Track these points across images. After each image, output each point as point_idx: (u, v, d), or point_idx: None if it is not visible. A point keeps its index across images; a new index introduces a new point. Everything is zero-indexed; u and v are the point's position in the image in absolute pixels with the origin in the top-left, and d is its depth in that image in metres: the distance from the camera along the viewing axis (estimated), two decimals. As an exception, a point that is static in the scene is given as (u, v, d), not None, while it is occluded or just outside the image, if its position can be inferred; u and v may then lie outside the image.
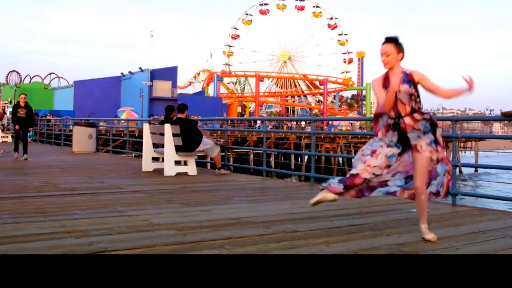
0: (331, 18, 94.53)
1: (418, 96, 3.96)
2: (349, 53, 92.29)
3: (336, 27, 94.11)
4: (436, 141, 4.00)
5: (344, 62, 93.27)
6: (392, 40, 3.97)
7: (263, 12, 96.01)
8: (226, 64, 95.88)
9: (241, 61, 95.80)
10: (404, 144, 4.00)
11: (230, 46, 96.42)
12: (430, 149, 3.95)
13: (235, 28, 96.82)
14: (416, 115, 3.92)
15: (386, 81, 3.98)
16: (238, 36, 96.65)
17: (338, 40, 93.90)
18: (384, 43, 3.98)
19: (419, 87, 3.99)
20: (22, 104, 12.71)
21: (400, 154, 4.02)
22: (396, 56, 3.94)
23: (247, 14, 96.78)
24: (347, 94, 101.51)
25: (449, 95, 4.01)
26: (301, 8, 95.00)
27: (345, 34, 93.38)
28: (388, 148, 3.97)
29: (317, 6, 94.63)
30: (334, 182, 3.94)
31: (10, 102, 51.11)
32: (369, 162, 3.90)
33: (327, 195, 3.94)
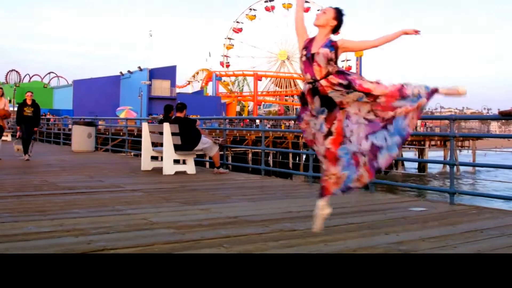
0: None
1: (336, 62, 3.84)
2: (347, 60, 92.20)
3: (338, 33, 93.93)
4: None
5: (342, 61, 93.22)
6: (336, 8, 3.97)
7: (268, 9, 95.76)
8: (225, 55, 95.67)
9: (239, 55, 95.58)
10: (332, 106, 3.83)
11: (230, 38, 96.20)
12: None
13: (237, 22, 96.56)
14: (332, 77, 3.79)
15: (310, 43, 3.90)
16: (240, 29, 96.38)
17: None
18: (329, 6, 3.99)
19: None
20: (29, 102, 12.07)
21: (328, 119, 3.85)
22: (329, 18, 3.90)
23: (251, 9, 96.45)
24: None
25: (380, 42, 3.95)
26: (307, 10, 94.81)
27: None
28: (315, 123, 3.88)
29: (307, 1, 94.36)
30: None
31: (10, 101, 51.01)
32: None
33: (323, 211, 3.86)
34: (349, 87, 3.76)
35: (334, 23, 3.92)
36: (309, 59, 3.85)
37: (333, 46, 3.82)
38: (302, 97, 3.97)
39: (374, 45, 3.98)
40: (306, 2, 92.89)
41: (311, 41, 3.92)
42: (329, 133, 3.85)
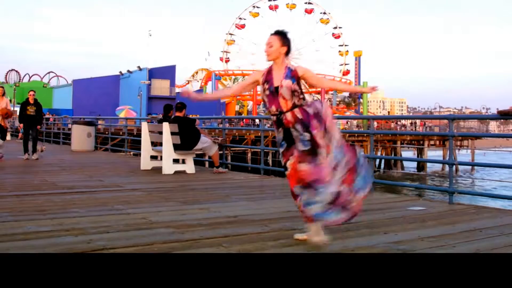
0: (336, 27, 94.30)
1: (302, 93, 3.87)
2: (346, 64, 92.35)
3: (339, 37, 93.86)
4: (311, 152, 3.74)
5: (341, 55, 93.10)
6: (278, 33, 3.94)
7: (271, 8, 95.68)
8: (225, 51, 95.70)
9: (239, 50, 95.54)
10: (290, 141, 3.85)
11: (232, 34, 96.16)
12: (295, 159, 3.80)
13: (240, 18, 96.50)
14: (297, 111, 3.81)
15: (269, 76, 3.91)
16: (243, 26, 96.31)
17: (339, 51, 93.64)
18: (271, 34, 3.96)
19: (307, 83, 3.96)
20: (31, 101, 12.05)
21: (285, 153, 3.87)
22: (279, 48, 3.90)
23: (254, 7, 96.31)
24: (344, 93, 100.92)
25: (336, 87, 4.08)
26: (310, 11, 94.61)
27: (345, 45, 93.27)
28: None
29: (324, 13, 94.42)
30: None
31: (10, 101, 50.94)
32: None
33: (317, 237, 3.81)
34: (307, 129, 3.76)
35: (285, 49, 3.92)
36: (272, 93, 3.86)
37: (294, 77, 3.85)
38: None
39: (330, 87, 4.04)
40: (309, 3, 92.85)
41: (269, 73, 3.92)
42: (285, 167, 3.88)
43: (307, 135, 3.75)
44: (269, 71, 3.94)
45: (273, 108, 3.87)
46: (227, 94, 4.19)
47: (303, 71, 3.90)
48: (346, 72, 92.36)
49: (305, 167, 3.72)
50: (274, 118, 3.90)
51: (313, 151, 3.73)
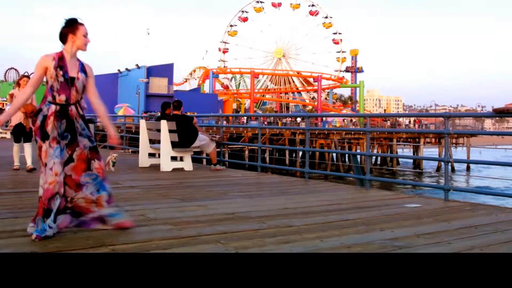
0: (326, 17, 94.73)
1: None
2: (342, 52, 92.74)
3: (331, 26, 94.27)
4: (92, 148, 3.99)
5: (338, 61, 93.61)
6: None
7: (257, 10, 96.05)
8: (221, 60, 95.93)
9: (236, 57, 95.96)
10: (74, 134, 3.91)
11: (225, 42, 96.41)
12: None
13: (231, 25, 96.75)
14: (78, 106, 3.96)
15: (61, 62, 3.84)
16: (235, 32, 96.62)
17: (333, 39, 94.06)
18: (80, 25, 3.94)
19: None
20: None
21: (69, 145, 3.90)
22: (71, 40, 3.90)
23: (243, 12, 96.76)
24: (341, 91, 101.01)
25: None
26: (297, 7, 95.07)
27: (339, 33, 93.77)
28: (57, 148, 3.82)
29: (313, 5, 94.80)
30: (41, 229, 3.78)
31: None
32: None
33: None
34: (86, 125, 4.01)
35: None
36: (67, 82, 3.84)
37: (85, 73, 3.97)
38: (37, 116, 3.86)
39: (93, 103, 4.15)
40: (313, 5, 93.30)
41: (62, 59, 3.85)
42: (70, 160, 3.92)
43: (87, 131, 3.98)
44: (61, 58, 3.85)
45: (63, 97, 3.85)
46: (27, 94, 3.99)
47: (90, 72, 4.04)
48: (343, 60, 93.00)
49: (99, 164, 3.98)
50: (57, 108, 3.83)
51: (96, 148, 4.00)
